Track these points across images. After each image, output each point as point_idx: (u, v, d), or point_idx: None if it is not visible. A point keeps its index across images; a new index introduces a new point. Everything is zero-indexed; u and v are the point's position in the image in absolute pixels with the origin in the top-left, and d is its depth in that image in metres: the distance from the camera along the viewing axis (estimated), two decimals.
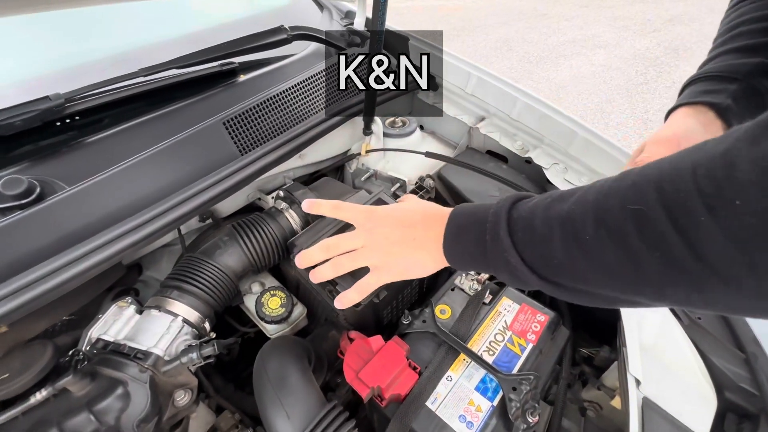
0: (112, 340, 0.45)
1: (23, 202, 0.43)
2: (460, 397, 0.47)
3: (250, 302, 0.61)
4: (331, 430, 0.41)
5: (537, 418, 0.47)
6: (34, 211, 0.43)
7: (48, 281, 0.41)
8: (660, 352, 0.47)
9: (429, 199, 0.72)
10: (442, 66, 0.83)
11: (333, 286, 0.52)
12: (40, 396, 0.38)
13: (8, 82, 0.56)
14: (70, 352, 0.50)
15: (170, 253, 0.69)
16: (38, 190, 0.44)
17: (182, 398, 0.45)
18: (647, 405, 0.43)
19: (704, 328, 0.49)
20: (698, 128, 0.43)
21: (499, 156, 0.81)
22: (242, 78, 0.69)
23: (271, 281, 0.64)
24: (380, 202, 0.62)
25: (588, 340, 0.64)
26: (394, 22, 0.87)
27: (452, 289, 0.59)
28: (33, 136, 0.50)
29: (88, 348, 0.46)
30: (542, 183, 0.74)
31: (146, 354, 0.44)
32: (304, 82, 0.70)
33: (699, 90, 0.45)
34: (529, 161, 0.75)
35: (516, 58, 3.88)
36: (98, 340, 0.45)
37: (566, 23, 4.80)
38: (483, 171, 0.74)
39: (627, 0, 5.73)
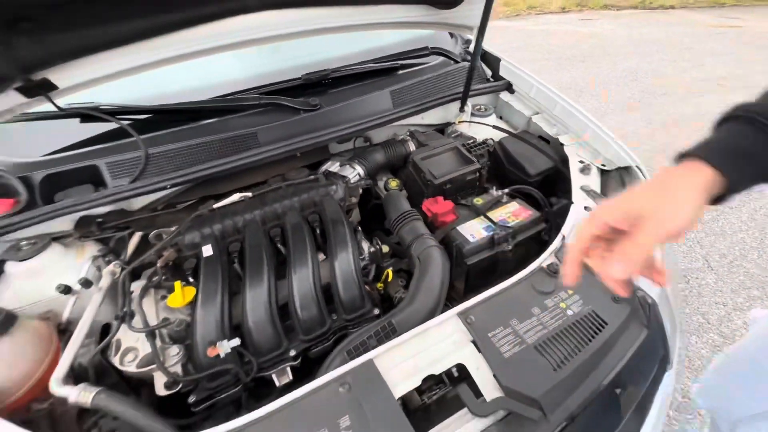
0: (332, 170, 1.08)
1: (315, 107, 1.09)
2: (474, 229, 0.97)
3: (380, 183, 1.20)
4: (410, 215, 0.96)
5: (510, 248, 0.95)
6: (317, 113, 1.09)
7: (317, 139, 1.05)
8: None
9: (486, 150, 1.22)
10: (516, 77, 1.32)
11: (424, 173, 1.08)
12: (312, 177, 1.03)
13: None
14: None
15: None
16: (319, 104, 1.10)
17: (353, 200, 1.05)
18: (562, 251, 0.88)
19: None
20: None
21: (544, 139, 1.27)
22: (400, 72, 1.30)
23: (391, 176, 1.23)
24: (456, 149, 1.16)
25: None
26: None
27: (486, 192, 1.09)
28: (315, 86, 1.17)
29: (321, 175, 1.10)
30: (564, 156, 1.18)
31: (344, 177, 1.06)
32: (433, 77, 1.27)
33: (735, 147, 0.45)
34: (562, 144, 1.19)
35: (638, 88, 3.90)
36: (326, 171, 1.09)
37: (712, 59, 4.53)
38: (529, 142, 1.21)
39: None
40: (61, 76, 0.82)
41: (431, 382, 0.68)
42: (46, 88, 0.81)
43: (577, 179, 1.04)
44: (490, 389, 0.66)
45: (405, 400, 0.66)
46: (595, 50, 5.03)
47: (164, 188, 0.93)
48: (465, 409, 0.64)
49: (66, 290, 0.82)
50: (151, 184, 0.92)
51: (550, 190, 1.16)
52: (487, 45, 1.34)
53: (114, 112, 1.01)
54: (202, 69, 1.10)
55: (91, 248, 0.94)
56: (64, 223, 0.93)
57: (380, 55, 1.36)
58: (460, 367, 0.68)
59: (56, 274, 0.86)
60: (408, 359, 0.69)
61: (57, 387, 0.67)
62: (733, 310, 1.74)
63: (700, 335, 1.65)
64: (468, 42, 1.47)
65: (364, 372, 0.66)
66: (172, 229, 0.92)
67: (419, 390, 0.67)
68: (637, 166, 1.04)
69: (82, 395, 0.65)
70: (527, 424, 0.63)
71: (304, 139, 1.04)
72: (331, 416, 0.61)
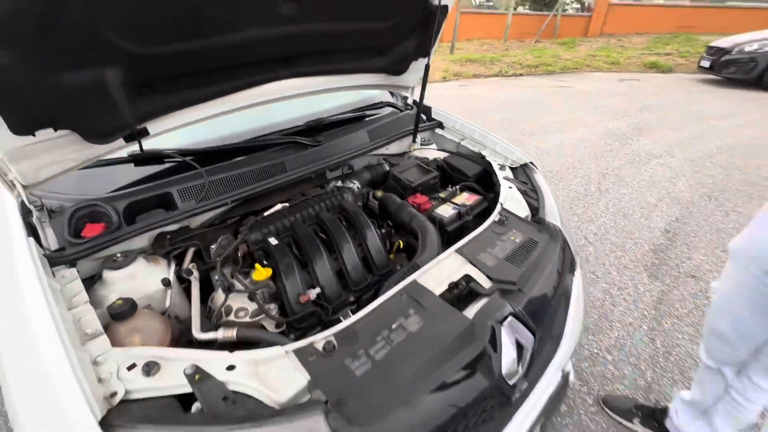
0: (338, 185, 1.48)
1: (319, 143, 1.50)
2: (446, 211, 1.44)
3: (378, 194, 1.62)
4: (406, 205, 1.40)
5: (470, 218, 1.43)
6: (321, 147, 1.49)
7: (324, 164, 1.45)
8: (513, 199, 1.44)
9: (436, 165, 1.74)
10: (446, 118, 1.92)
11: (403, 181, 1.54)
12: (327, 190, 1.40)
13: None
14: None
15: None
16: (322, 141, 1.51)
17: (359, 204, 1.44)
18: (503, 211, 1.39)
19: (527, 194, 1.47)
20: None
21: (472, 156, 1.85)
22: (367, 119, 1.80)
23: (374, 190, 1.66)
24: (418, 165, 1.66)
25: None
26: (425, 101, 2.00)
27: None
28: (313, 129, 1.59)
29: (334, 188, 1.48)
30: (486, 165, 1.76)
31: (350, 188, 1.46)
32: (392, 120, 1.79)
33: None
34: (483, 156, 1.78)
35: (514, 132, 5.08)
36: (334, 186, 1.48)
37: (557, 109, 6.09)
38: (463, 156, 1.77)
39: (609, 93, 7.11)
40: (153, 126, 1.12)
41: (453, 286, 1.08)
42: (142, 135, 1.10)
43: (499, 173, 1.60)
44: (486, 283, 1.09)
45: (442, 297, 1.04)
46: (477, 108, 6.35)
47: (226, 204, 1.22)
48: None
49: (167, 283, 1.05)
50: (215, 201, 1.21)
51: (484, 185, 1.72)
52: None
53: (172, 155, 1.29)
54: (229, 120, 1.45)
55: (163, 260, 1.16)
56: (143, 240, 1.14)
57: (346, 110, 1.86)
58: (467, 276, 1.10)
59: (146, 277, 1.07)
60: (435, 277, 1.09)
61: (200, 335, 0.91)
62: (609, 266, 2.47)
63: (594, 286, 2.32)
64: (405, 98, 2.06)
65: (413, 286, 1.04)
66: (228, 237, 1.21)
67: (448, 290, 1.06)
68: (531, 163, 1.66)
69: (227, 334, 0.90)
70: (511, 295, 1.06)
71: (315, 165, 1.43)
72: (402, 311, 0.97)
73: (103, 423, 0.67)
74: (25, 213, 1.05)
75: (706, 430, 1.29)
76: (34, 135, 0.88)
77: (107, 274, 1.04)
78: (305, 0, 1.10)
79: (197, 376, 0.76)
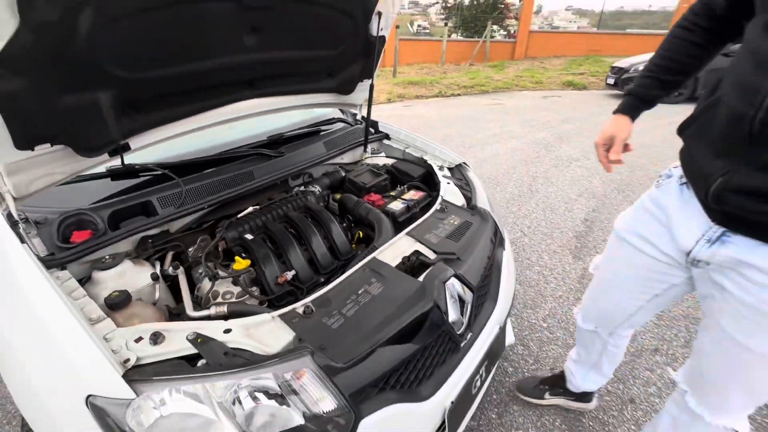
0: (301, 189, 1.68)
1: (282, 154, 1.69)
2: (396, 205, 1.69)
3: (336, 197, 1.83)
4: (362, 201, 1.63)
5: (418, 210, 1.69)
6: (283, 158, 1.69)
7: (287, 172, 1.65)
8: (451, 192, 1.73)
9: (386, 170, 2.00)
10: (391, 130, 2.21)
11: (358, 183, 1.78)
12: (293, 193, 1.60)
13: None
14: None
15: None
16: (284, 152, 1.71)
17: (321, 205, 1.65)
18: (443, 201, 1.67)
19: (462, 187, 1.76)
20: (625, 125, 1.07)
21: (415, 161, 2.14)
22: (321, 134, 2.03)
23: (333, 194, 1.87)
24: (370, 170, 1.91)
25: None
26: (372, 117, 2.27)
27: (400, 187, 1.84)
28: (275, 143, 1.78)
29: (298, 190, 1.68)
30: (428, 167, 2.05)
31: (312, 192, 1.66)
32: (341, 135, 2.04)
33: (629, 104, 1.07)
34: (425, 160, 2.07)
35: (455, 145, 5.56)
36: (298, 190, 1.68)
37: (492, 124, 6.73)
38: (408, 161, 2.04)
39: (536, 108, 7.96)
40: (134, 141, 1.26)
41: (406, 260, 1.31)
42: (124, 150, 1.24)
43: (439, 173, 1.89)
44: (431, 255, 1.34)
45: (397, 268, 1.27)
46: (420, 125, 6.83)
47: (203, 208, 1.37)
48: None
49: (156, 277, 1.17)
50: (192, 206, 1.36)
51: (427, 183, 2.00)
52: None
53: (152, 167, 1.42)
54: (197, 138, 1.61)
55: (147, 263, 1.28)
56: (127, 244, 1.26)
57: (302, 125, 2.08)
58: (416, 252, 1.35)
59: (135, 275, 1.19)
60: (391, 254, 1.32)
61: (193, 313, 1.06)
62: (541, 252, 2.86)
63: (530, 269, 2.67)
64: (354, 115, 2.32)
65: (373, 261, 1.26)
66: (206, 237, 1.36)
67: (402, 263, 1.29)
68: (464, 163, 1.97)
69: (219, 309, 1.06)
70: (452, 263, 1.31)
71: (280, 172, 1.63)
72: (366, 280, 1.18)
73: (123, 378, 0.80)
74: (13, 224, 1.14)
75: (597, 379, 1.55)
76: (33, 150, 1.00)
77: (97, 275, 1.15)
78: (265, 32, 1.32)
79: (199, 339, 0.92)
